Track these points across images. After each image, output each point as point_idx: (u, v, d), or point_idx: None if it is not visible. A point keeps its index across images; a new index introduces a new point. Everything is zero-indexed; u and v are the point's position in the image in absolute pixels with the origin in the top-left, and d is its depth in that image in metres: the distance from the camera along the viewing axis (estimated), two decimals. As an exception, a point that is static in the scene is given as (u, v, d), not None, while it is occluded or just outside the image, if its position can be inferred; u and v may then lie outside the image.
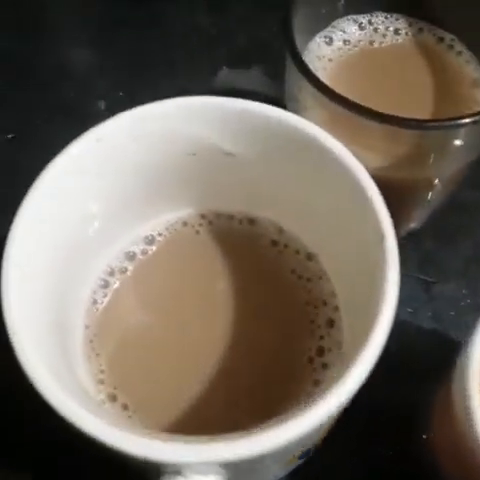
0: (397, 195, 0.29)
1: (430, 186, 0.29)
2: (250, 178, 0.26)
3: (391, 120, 0.24)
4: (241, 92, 0.41)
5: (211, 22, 0.43)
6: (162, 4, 0.45)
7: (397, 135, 0.25)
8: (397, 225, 0.34)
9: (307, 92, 0.26)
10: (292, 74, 0.27)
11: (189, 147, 0.25)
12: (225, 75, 0.41)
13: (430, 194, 0.30)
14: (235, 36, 0.42)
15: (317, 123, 0.27)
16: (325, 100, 0.25)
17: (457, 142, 0.25)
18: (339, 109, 0.25)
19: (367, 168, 0.25)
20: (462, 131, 0.24)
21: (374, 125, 0.24)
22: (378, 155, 0.27)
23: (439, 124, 0.24)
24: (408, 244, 0.36)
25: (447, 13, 0.30)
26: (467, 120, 0.24)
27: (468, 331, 0.33)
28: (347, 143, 0.26)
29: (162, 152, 0.25)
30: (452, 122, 0.24)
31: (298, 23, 0.28)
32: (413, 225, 0.34)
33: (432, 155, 0.26)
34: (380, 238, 0.21)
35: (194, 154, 0.25)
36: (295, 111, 0.28)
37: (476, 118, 0.24)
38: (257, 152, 0.25)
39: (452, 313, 0.34)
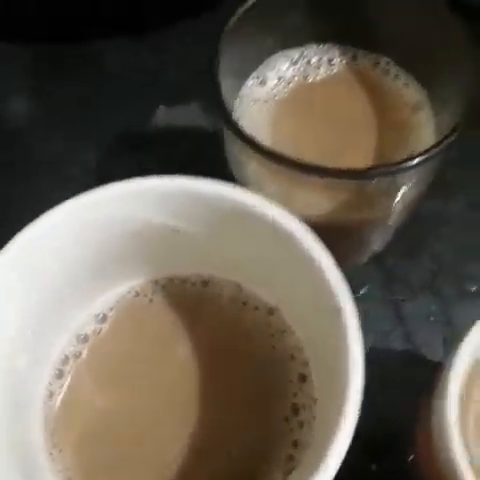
0: (353, 233, 0.29)
1: (387, 219, 0.29)
2: (201, 246, 0.25)
3: (331, 173, 0.23)
4: (181, 129, 0.40)
5: (149, 59, 0.42)
6: (99, 42, 0.43)
7: (340, 185, 0.24)
8: (360, 256, 0.34)
9: (239, 147, 0.25)
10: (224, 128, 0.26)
11: (134, 227, 0.24)
12: (164, 113, 0.41)
13: (389, 223, 0.30)
14: (173, 72, 0.41)
15: (257, 176, 0.26)
16: (258, 157, 0.24)
17: (405, 182, 0.25)
18: (274, 166, 0.24)
19: (317, 213, 0.25)
20: (407, 173, 0.24)
21: (314, 178, 0.24)
22: (325, 201, 0.26)
23: (380, 171, 0.23)
24: (370, 265, 0.35)
25: (379, 36, 0.30)
26: (408, 164, 0.23)
27: (440, 350, 0.34)
28: (290, 194, 0.26)
29: (107, 233, 0.24)
30: (394, 167, 0.23)
31: (226, 68, 0.27)
32: (376, 249, 0.34)
33: (380, 197, 0.26)
34: (337, 311, 0.20)
35: (140, 233, 0.25)
36: (236, 163, 0.28)
37: (420, 159, 0.23)
38: (204, 226, 0.24)
39: (423, 331, 0.34)
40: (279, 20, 0.29)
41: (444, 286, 0.35)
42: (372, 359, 0.33)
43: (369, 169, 0.23)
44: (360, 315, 0.34)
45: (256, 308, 0.27)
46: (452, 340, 0.33)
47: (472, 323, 0.24)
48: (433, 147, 0.23)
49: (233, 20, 0.27)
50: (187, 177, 0.23)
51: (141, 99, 0.41)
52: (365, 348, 0.33)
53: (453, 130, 0.23)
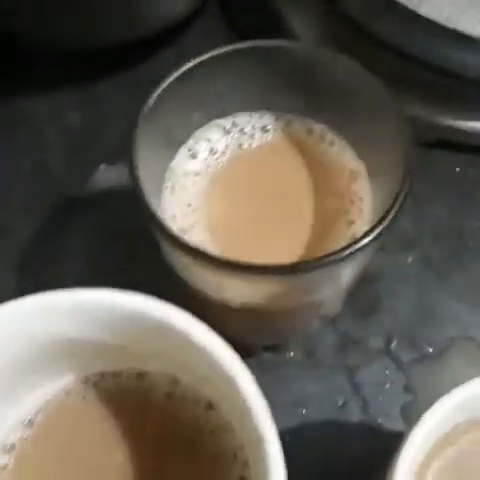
0: (295, 313, 0.27)
1: (331, 297, 0.27)
2: (130, 348, 0.24)
3: (252, 270, 0.22)
4: (121, 191, 0.38)
5: (84, 117, 0.40)
6: (30, 101, 0.41)
7: (269, 279, 0.23)
8: (309, 328, 0.33)
9: (164, 242, 0.24)
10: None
11: (58, 336, 0.23)
12: (103, 173, 0.39)
13: (333, 300, 0.29)
14: (110, 130, 0.40)
15: (188, 265, 0.25)
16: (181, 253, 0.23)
17: (341, 269, 0.23)
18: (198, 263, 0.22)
19: (253, 301, 0.23)
20: (340, 264, 0.22)
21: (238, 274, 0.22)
22: (258, 291, 0.25)
23: (308, 266, 0.22)
24: (323, 330, 0.34)
25: (312, 101, 0.28)
26: (340, 255, 0.22)
27: (399, 419, 0.32)
28: (222, 283, 0.24)
29: (26, 344, 0.23)
30: (323, 260, 0.22)
31: (151, 141, 0.26)
32: (327, 316, 0.33)
33: (318, 284, 0.24)
34: (259, 438, 0.19)
35: (65, 340, 0.23)
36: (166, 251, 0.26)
37: (351, 250, 0.22)
38: (128, 337, 0.22)
39: (379, 398, 0.32)
40: (206, 91, 0.28)
41: (400, 349, 0.33)
42: (327, 433, 0.32)
43: (296, 265, 0.22)
44: (312, 383, 0.33)
45: (195, 402, 0.25)
46: (409, 409, 0.32)
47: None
48: (366, 235, 0.22)
49: (152, 98, 0.25)
50: (109, 290, 0.21)
51: (76, 160, 0.39)
52: (319, 421, 0.32)
53: (382, 218, 0.22)
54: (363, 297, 0.35)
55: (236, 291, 0.25)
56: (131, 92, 0.40)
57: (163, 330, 0.21)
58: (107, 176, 0.39)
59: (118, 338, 0.23)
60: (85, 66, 0.41)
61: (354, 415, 0.32)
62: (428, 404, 0.31)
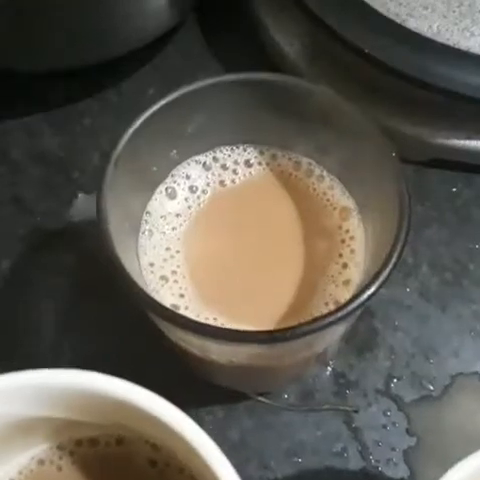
0: (286, 369, 0.25)
1: (321, 353, 0.25)
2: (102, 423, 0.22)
3: (226, 337, 0.20)
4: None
5: (57, 144, 0.38)
6: (3, 124, 0.39)
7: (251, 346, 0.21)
8: (308, 372, 0.31)
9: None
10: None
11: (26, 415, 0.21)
12: (82, 203, 0.37)
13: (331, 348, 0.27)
14: (87, 155, 0.37)
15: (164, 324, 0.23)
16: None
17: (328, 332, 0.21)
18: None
19: (238, 361, 0.21)
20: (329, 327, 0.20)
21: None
22: (242, 353, 0.23)
23: (293, 333, 0.20)
24: (318, 371, 0.32)
25: (298, 134, 0.26)
26: (324, 322, 0.19)
27: (401, 464, 0.30)
28: (205, 344, 0.22)
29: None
30: (311, 326, 0.20)
31: (125, 184, 0.24)
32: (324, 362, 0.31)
33: (304, 346, 0.22)
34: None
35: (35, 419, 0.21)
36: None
37: (337, 316, 0.20)
38: (98, 415, 0.20)
39: (380, 443, 0.30)
40: (183, 125, 0.26)
41: (401, 388, 0.31)
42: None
43: (279, 332, 0.20)
44: (308, 429, 0.31)
45: (180, 471, 0.23)
46: (412, 454, 0.30)
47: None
48: (351, 301, 0.19)
49: (124, 137, 0.23)
50: (74, 371, 0.19)
51: (52, 189, 0.37)
52: (316, 469, 0.30)
53: (367, 286, 0.20)
54: (360, 333, 0.33)
55: (220, 351, 0.22)
56: (110, 113, 0.38)
57: (131, 410, 0.19)
58: (87, 204, 0.37)
59: (89, 416, 0.21)
60: (60, 87, 0.39)
61: (353, 462, 0.30)
62: (431, 449, 0.29)
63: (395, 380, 0.31)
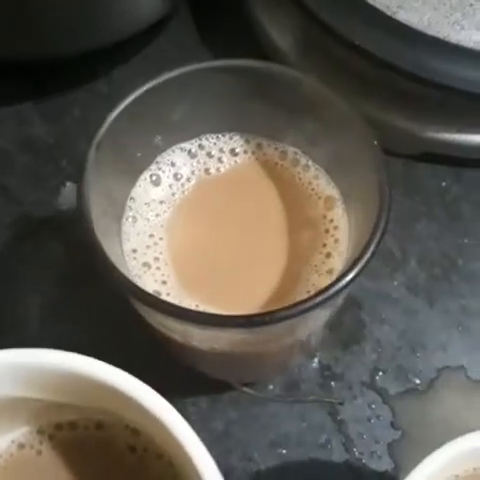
0: (272, 355, 0.25)
1: (307, 338, 0.25)
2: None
3: (207, 321, 0.20)
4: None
5: (46, 132, 0.38)
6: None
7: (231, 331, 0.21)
8: (291, 363, 0.31)
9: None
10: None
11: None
12: (70, 191, 0.37)
13: (311, 339, 0.27)
14: (76, 144, 0.37)
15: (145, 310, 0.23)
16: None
17: (312, 314, 0.21)
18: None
19: (221, 347, 0.21)
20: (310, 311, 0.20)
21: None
22: (225, 341, 0.23)
23: (273, 317, 0.19)
24: (303, 362, 0.32)
25: (284, 124, 0.26)
26: (305, 306, 0.19)
27: (386, 457, 0.30)
28: (182, 334, 0.22)
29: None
30: (291, 310, 0.19)
31: (107, 166, 0.24)
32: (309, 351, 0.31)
33: (286, 331, 0.22)
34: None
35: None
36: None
37: (322, 297, 0.19)
38: (76, 395, 0.20)
39: (364, 436, 0.30)
40: (168, 112, 0.25)
41: (386, 382, 0.31)
42: (308, 474, 0.30)
43: (258, 316, 0.20)
44: (293, 420, 0.31)
45: (159, 456, 0.23)
46: (396, 447, 0.30)
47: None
48: (329, 287, 0.19)
49: (107, 122, 0.23)
50: (54, 351, 0.19)
51: (40, 177, 0.37)
52: (300, 461, 0.30)
53: (346, 272, 0.20)
54: (346, 325, 0.32)
55: (201, 337, 0.22)
56: (101, 103, 0.38)
57: (111, 393, 0.18)
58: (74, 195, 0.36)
59: (69, 397, 0.20)
60: (50, 76, 0.39)
61: (337, 454, 0.30)
62: (416, 442, 0.29)
63: (381, 373, 0.31)
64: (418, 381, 0.31)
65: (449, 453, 0.20)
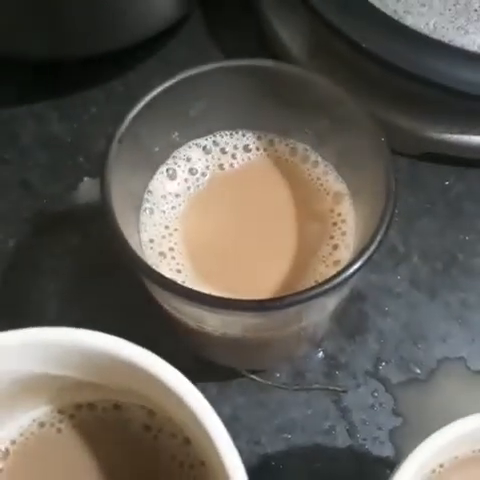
0: (279, 341, 0.27)
1: (314, 325, 0.27)
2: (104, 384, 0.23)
3: (220, 305, 0.21)
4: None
5: (64, 130, 0.39)
6: (11, 111, 0.40)
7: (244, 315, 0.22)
8: (297, 352, 0.32)
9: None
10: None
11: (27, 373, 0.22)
12: (87, 186, 0.38)
13: (318, 327, 0.28)
14: (93, 141, 0.39)
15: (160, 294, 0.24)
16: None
17: (320, 302, 0.22)
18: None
19: (234, 332, 0.22)
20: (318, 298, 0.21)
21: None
22: (238, 323, 0.24)
23: (283, 302, 0.21)
24: (310, 351, 0.33)
25: (295, 121, 0.27)
26: (313, 292, 0.21)
27: (387, 443, 0.31)
28: (196, 318, 0.23)
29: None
30: (301, 296, 0.21)
31: (127, 160, 0.25)
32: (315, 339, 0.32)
33: (295, 317, 0.23)
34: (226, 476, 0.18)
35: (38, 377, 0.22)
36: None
37: (329, 286, 0.21)
38: (94, 372, 0.22)
39: (367, 423, 0.32)
40: (185, 109, 0.27)
41: (389, 371, 0.32)
42: (313, 458, 0.31)
43: (270, 301, 0.21)
44: (299, 407, 0.32)
45: (173, 435, 0.25)
46: (398, 434, 0.31)
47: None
48: (336, 276, 0.21)
49: (128, 118, 0.25)
50: (68, 329, 0.20)
51: (58, 174, 0.38)
52: (305, 446, 0.31)
53: (353, 262, 0.21)
54: (351, 316, 0.34)
55: (214, 322, 0.24)
56: (116, 102, 0.40)
57: (132, 370, 0.20)
58: (92, 189, 0.38)
59: (89, 375, 0.22)
60: (70, 76, 0.40)
61: (341, 440, 0.31)
62: (417, 429, 0.30)
63: (383, 363, 0.33)
64: (419, 371, 0.32)
65: (450, 434, 0.21)
